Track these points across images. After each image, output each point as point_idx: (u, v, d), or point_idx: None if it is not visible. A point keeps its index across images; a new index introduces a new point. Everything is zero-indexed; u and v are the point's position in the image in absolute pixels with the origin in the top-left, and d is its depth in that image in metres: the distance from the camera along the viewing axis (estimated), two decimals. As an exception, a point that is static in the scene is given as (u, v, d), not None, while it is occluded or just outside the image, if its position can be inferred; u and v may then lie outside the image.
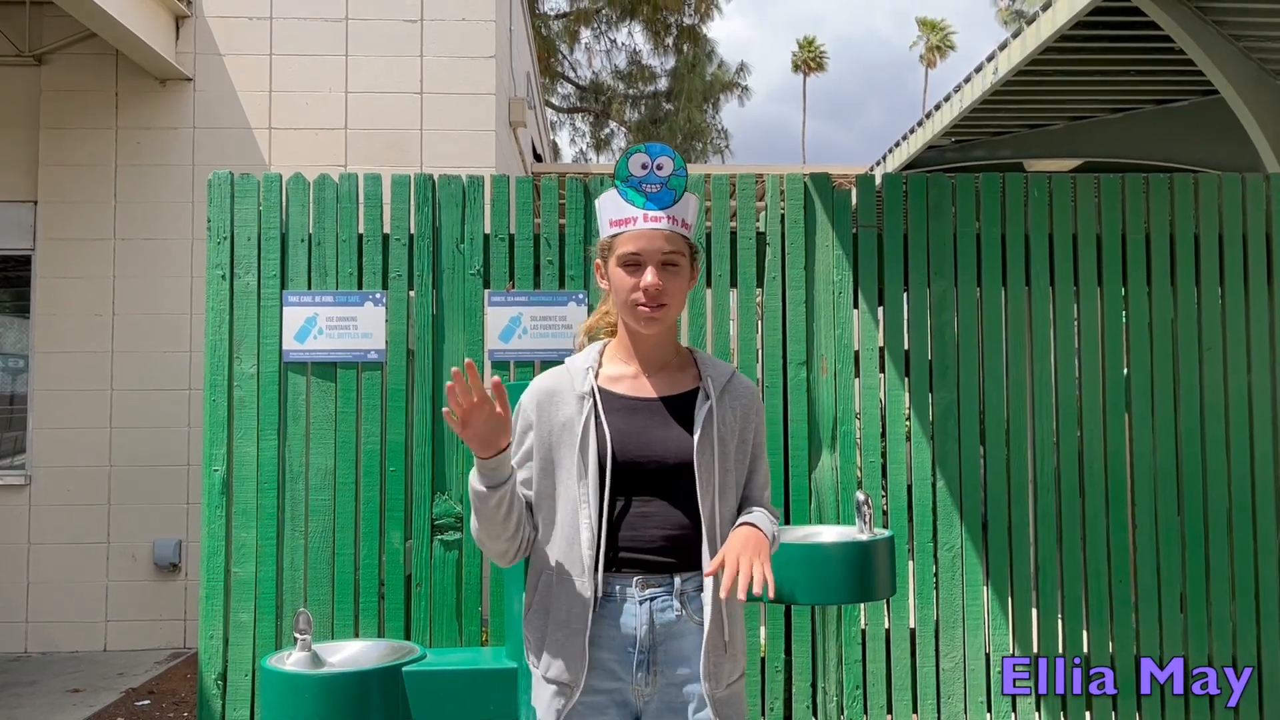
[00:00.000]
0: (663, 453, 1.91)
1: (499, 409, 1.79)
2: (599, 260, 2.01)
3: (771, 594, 1.74)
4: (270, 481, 3.68)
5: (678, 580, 1.90)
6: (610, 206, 1.96)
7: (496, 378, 1.80)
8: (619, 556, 1.89)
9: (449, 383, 1.74)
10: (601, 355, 2.03)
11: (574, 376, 1.98)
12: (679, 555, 1.90)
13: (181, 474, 6.14)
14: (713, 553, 1.89)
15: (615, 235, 1.94)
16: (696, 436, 1.91)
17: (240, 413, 3.70)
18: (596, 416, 1.92)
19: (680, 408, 1.95)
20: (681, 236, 1.94)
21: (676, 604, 1.89)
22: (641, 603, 1.88)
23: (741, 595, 1.71)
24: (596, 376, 1.98)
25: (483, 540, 1.92)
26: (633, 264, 1.91)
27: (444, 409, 1.77)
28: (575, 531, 1.90)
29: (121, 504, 6.14)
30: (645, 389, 1.97)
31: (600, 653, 1.89)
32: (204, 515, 3.68)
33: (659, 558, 1.90)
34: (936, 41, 42.13)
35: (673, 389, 1.98)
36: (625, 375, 1.99)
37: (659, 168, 1.93)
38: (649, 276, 1.89)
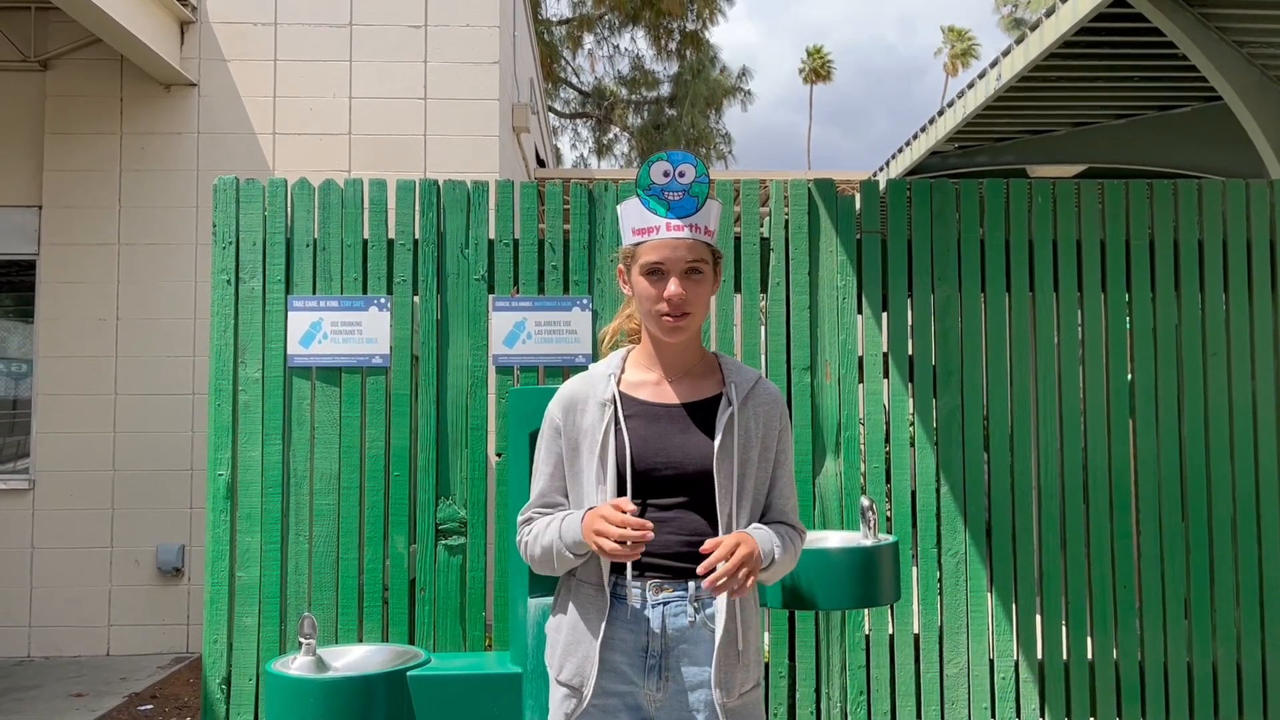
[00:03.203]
0: (682, 459, 1.91)
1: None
2: (621, 266, 2.01)
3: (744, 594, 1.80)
4: (274, 486, 3.68)
5: (692, 586, 1.89)
6: (633, 215, 1.96)
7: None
8: (636, 561, 1.89)
9: (639, 531, 1.76)
10: (625, 361, 2.03)
11: (597, 383, 1.99)
12: (697, 561, 1.88)
13: (185, 479, 6.14)
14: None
15: (638, 244, 1.94)
16: (717, 443, 1.91)
17: (245, 417, 3.70)
18: (617, 423, 1.92)
19: (702, 414, 1.95)
20: (704, 244, 1.94)
21: (690, 610, 1.89)
22: (654, 607, 1.89)
23: (714, 589, 1.78)
24: (619, 383, 1.98)
25: (541, 569, 1.98)
26: (656, 273, 1.91)
27: (628, 544, 1.77)
28: None
29: (125, 509, 6.14)
30: (667, 395, 1.97)
31: (613, 655, 1.89)
32: (208, 520, 3.69)
33: (676, 563, 1.90)
34: (962, 50, 41.98)
35: (695, 395, 1.97)
36: (648, 381, 1.99)
37: (681, 175, 1.93)
38: (672, 286, 1.89)
